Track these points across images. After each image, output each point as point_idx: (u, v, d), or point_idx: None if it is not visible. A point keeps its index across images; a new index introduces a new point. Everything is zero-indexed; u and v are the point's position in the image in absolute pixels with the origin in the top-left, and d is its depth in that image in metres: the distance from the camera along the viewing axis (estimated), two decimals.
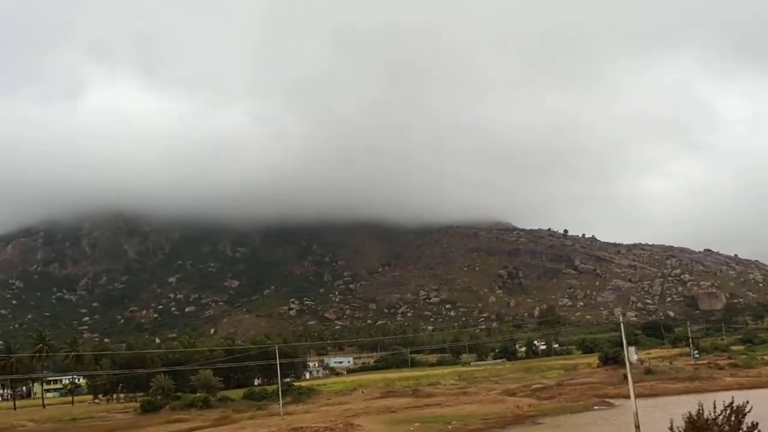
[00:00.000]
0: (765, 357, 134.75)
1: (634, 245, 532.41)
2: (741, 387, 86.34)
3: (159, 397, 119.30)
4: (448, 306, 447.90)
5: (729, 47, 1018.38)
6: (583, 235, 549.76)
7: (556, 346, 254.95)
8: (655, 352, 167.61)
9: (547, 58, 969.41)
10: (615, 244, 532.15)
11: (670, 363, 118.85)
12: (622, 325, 66.45)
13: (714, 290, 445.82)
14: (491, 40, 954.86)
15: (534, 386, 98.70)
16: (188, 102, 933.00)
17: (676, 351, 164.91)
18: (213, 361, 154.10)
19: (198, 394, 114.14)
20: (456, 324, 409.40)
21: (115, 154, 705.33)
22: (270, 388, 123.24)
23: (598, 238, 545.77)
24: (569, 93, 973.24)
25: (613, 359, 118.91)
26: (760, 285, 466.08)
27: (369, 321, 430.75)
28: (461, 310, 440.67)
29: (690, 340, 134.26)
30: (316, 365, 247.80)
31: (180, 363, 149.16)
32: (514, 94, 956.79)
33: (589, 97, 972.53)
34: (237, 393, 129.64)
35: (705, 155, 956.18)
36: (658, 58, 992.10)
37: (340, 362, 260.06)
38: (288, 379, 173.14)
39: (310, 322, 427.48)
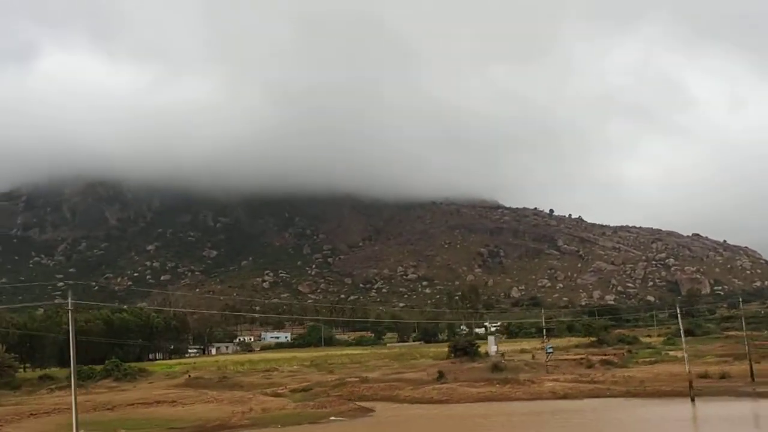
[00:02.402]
0: (670, 353, 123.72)
1: (621, 227, 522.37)
2: (554, 396, 76.37)
3: None
4: (424, 283, 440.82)
5: (696, 25, 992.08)
6: (570, 215, 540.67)
7: (482, 330, 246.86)
8: (561, 342, 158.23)
9: (503, 36, 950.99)
10: (601, 226, 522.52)
11: (533, 357, 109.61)
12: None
13: (698, 276, 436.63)
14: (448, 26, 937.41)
15: (349, 380, 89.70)
16: (143, 71, 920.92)
17: (586, 340, 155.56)
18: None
19: None
20: (430, 301, 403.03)
21: (78, 123, 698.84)
22: (99, 367, 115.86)
23: (585, 219, 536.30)
24: (531, 73, 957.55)
25: (462, 350, 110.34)
26: (747, 272, 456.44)
27: (342, 296, 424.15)
28: (438, 287, 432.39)
29: (544, 331, 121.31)
30: (236, 341, 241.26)
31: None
32: (470, 75, 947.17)
33: (556, 77, 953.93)
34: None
35: (683, 137, 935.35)
36: (622, 35, 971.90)
37: (277, 337, 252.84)
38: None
39: (282, 295, 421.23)
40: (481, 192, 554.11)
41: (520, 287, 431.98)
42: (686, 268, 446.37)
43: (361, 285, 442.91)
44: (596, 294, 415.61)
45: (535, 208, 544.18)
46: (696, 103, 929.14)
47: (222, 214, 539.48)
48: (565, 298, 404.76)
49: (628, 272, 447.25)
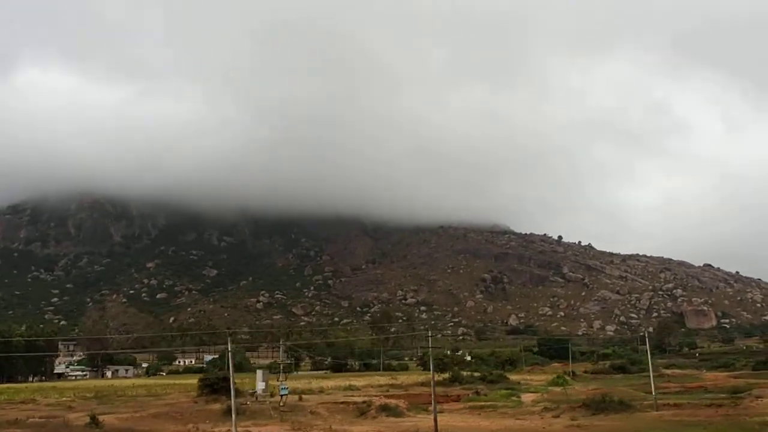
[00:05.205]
0: (522, 396, 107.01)
1: (630, 256, 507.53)
2: None
3: None
4: (422, 308, 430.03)
5: (688, 51, 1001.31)
6: (579, 242, 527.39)
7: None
8: (407, 378, 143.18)
9: (493, 57, 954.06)
10: (610, 254, 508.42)
11: (300, 399, 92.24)
12: None
13: (705, 308, 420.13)
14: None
15: (35, 419, 74.09)
16: (119, 88, 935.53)
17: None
18: None
19: None
20: (422, 327, 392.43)
21: (80, 138, 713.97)
22: None
23: (595, 247, 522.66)
24: (520, 95, 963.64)
25: (210, 387, 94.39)
26: (758, 305, 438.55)
27: (336, 319, 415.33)
28: (436, 313, 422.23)
29: (281, 367, 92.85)
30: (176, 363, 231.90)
31: None
32: (460, 97, 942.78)
33: (542, 101, 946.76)
34: None
35: (681, 164, 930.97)
36: (610, 59, 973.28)
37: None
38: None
39: (275, 317, 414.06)
40: (492, 217, 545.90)
41: (519, 315, 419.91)
42: (693, 299, 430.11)
43: (357, 308, 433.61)
44: (597, 324, 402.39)
45: (544, 234, 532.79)
46: (690, 128, 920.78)
47: (228, 233, 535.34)
48: (563, 328, 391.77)
49: (632, 302, 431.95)
